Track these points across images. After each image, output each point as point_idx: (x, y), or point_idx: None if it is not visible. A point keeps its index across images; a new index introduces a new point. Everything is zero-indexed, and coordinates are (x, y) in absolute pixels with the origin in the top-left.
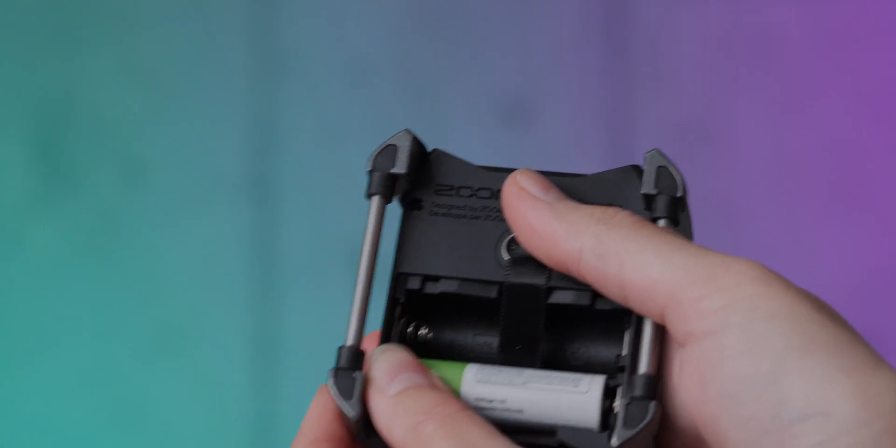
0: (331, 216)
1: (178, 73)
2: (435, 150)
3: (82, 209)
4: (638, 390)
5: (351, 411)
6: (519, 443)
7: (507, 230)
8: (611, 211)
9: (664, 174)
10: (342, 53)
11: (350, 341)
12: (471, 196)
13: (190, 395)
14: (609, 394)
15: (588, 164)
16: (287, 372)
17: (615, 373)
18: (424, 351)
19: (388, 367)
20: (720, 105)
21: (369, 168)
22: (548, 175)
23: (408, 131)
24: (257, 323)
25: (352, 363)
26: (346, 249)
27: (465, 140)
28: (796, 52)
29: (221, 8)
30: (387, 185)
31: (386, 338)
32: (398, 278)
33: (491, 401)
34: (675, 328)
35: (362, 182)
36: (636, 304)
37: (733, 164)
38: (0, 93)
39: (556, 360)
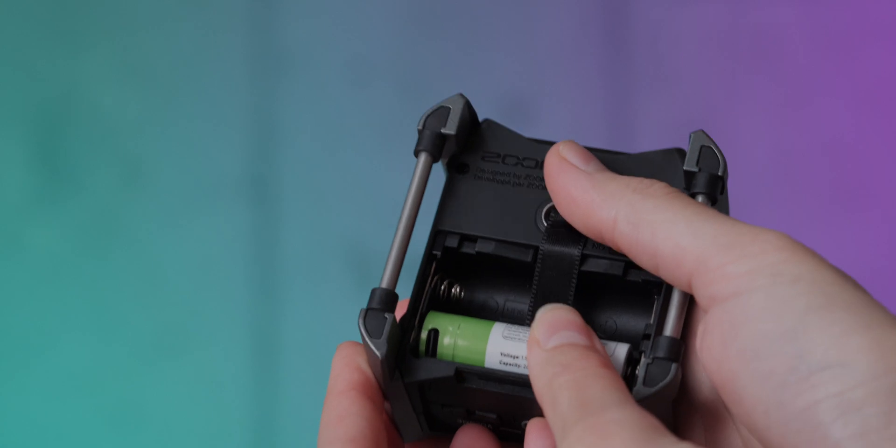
0: (331, 216)
1: (178, 73)
2: (487, 119)
3: (82, 209)
4: (661, 351)
5: (378, 350)
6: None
7: (548, 199)
8: (647, 182)
9: (707, 153)
10: (342, 53)
11: (384, 284)
12: (516, 164)
13: (190, 395)
14: (632, 361)
15: None
16: (287, 372)
17: (641, 343)
18: (456, 309)
19: (550, 323)
20: (720, 105)
21: (420, 127)
22: (591, 150)
23: (461, 95)
24: (257, 323)
25: (383, 304)
26: (346, 249)
27: None
28: (796, 52)
29: (221, 8)
30: (436, 144)
31: (419, 290)
32: (437, 235)
33: (515, 357)
34: (701, 294)
35: (362, 182)
36: (666, 272)
37: (733, 163)
38: (0, 93)
39: None
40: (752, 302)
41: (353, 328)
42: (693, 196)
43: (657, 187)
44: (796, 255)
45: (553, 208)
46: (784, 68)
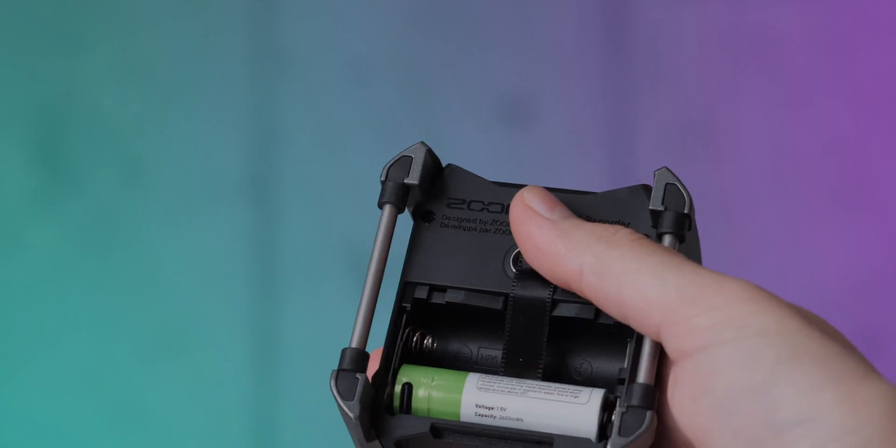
0: (331, 216)
1: (178, 73)
2: (449, 164)
3: (82, 209)
4: (635, 399)
5: (351, 412)
6: None
7: (515, 244)
8: (611, 229)
9: (672, 191)
10: (342, 53)
11: (354, 344)
12: (482, 210)
13: (190, 395)
14: (608, 406)
15: (588, 164)
16: (287, 372)
17: (615, 387)
18: (428, 360)
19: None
20: (720, 105)
21: (383, 178)
22: (557, 192)
23: (423, 144)
24: (257, 323)
25: (354, 365)
26: (346, 250)
27: (465, 140)
28: (796, 52)
29: (221, 8)
30: (399, 195)
31: (390, 344)
32: (406, 287)
33: (491, 408)
34: (670, 346)
35: (362, 182)
36: (634, 323)
37: (733, 163)
38: (0, 93)
39: (558, 374)
40: (720, 356)
41: (352, 328)
42: (660, 236)
43: (622, 235)
44: (762, 305)
45: (521, 253)
46: (784, 68)
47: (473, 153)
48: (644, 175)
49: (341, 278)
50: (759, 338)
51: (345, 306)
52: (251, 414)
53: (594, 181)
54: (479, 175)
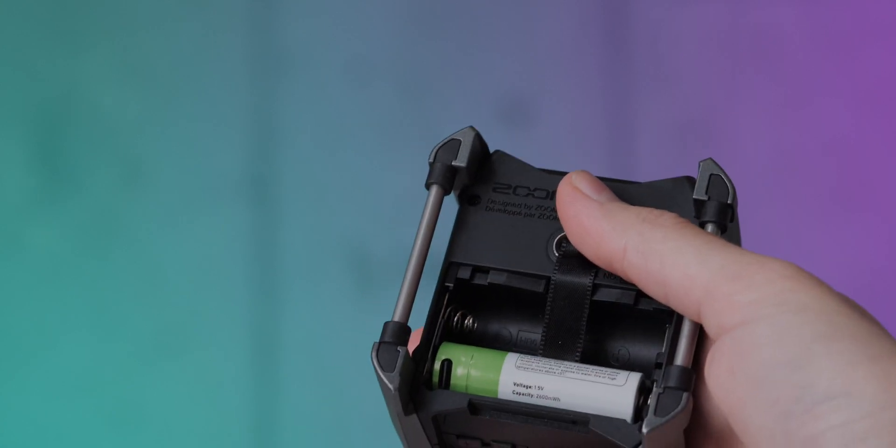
0: (331, 216)
1: (178, 73)
2: (497, 151)
3: (82, 209)
4: (672, 381)
5: (391, 383)
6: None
7: (559, 229)
8: (657, 212)
9: (716, 181)
10: (342, 53)
11: (396, 317)
12: (527, 195)
13: (190, 395)
14: (644, 390)
15: (588, 164)
16: (287, 372)
17: (653, 372)
18: (469, 340)
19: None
20: (720, 105)
21: (431, 160)
22: (603, 180)
23: (472, 128)
24: (257, 323)
25: (395, 338)
26: (346, 250)
27: None
28: (796, 51)
29: (221, 8)
30: (446, 176)
31: (432, 322)
32: (449, 267)
33: (528, 386)
34: (709, 323)
35: (362, 182)
36: (675, 301)
37: (733, 163)
38: (0, 93)
39: (596, 359)
40: (759, 331)
41: (352, 328)
42: (703, 224)
43: (667, 217)
44: (802, 283)
45: (564, 238)
46: (784, 68)
47: None
48: (644, 175)
49: (341, 278)
50: (798, 314)
51: (345, 306)
52: (251, 414)
53: None
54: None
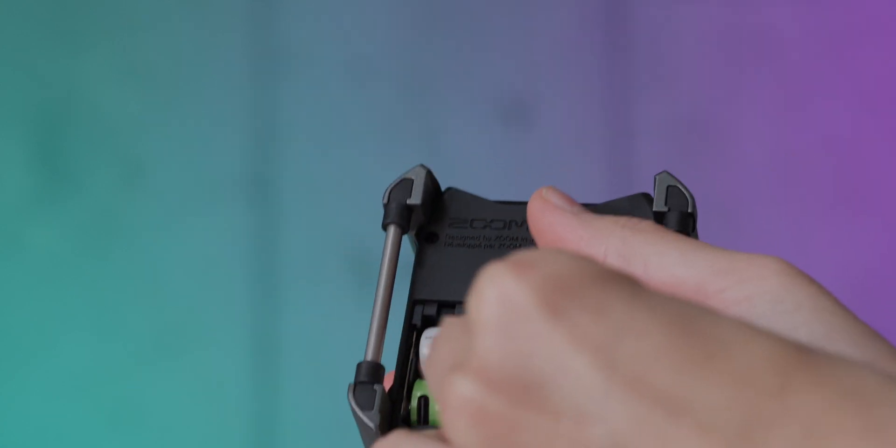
0: (331, 216)
1: (178, 72)
2: (449, 188)
3: (82, 209)
4: None
5: (371, 422)
6: None
7: None
8: (635, 219)
9: (674, 192)
10: (343, 53)
11: (369, 357)
12: (485, 227)
13: (190, 395)
14: None
15: (588, 164)
16: (287, 372)
17: None
18: None
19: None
20: (720, 105)
21: (385, 201)
22: None
23: (423, 166)
24: (257, 323)
25: (370, 377)
26: (346, 250)
27: (465, 140)
28: (796, 51)
29: (221, 7)
30: (403, 215)
31: (403, 362)
32: (415, 305)
33: None
34: None
35: (362, 182)
36: None
37: (733, 163)
38: (0, 93)
39: None
40: None
41: (352, 328)
42: None
43: (646, 224)
44: (795, 280)
45: None
46: (784, 68)
47: (473, 153)
48: (644, 175)
49: (341, 278)
50: (793, 314)
51: (345, 306)
52: (251, 414)
53: (594, 181)
54: (478, 195)
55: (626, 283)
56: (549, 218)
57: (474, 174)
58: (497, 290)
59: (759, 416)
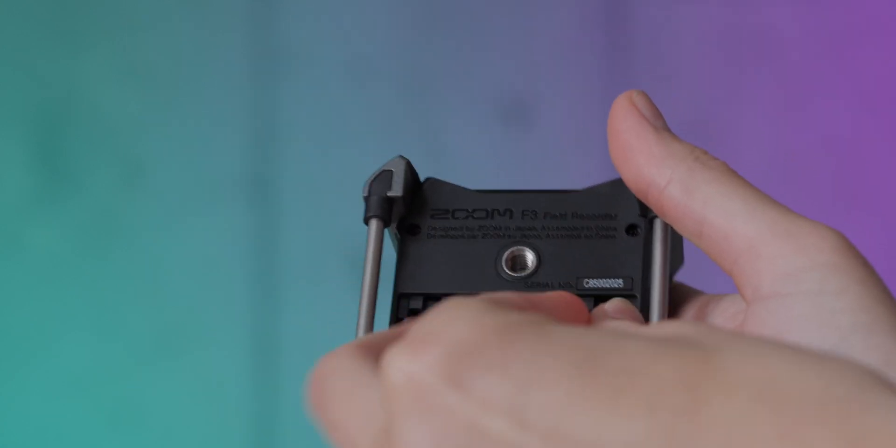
0: (331, 216)
1: (178, 72)
2: (429, 178)
3: (82, 209)
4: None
5: None
6: None
7: (505, 246)
8: (710, 155)
9: None
10: (343, 53)
11: None
12: (467, 217)
13: (190, 395)
14: None
15: (588, 164)
16: (287, 372)
17: None
18: None
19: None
20: (721, 105)
21: (365, 194)
22: (538, 193)
23: (401, 157)
24: (257, 323)
25: None
26: (346, 249)
27: (465, 140)
28: (796, 51)
29: (221, 8)
30: (384, 208)
31: None
32: (400, 299)
33: None
34: (744, 281)
35: (362, 182)
36: (708, 244)
37: (733, 163)
38: (0, 93)
39: None
40: (797, 310)
41: (352, 328)
42: (651, 221)
43: (718, 163)
44: (848, 262)
45: (517, 257)
46: (784, 68)
47: (473, 153)
48: None
49: (341, 278)
50: (838, 298)
51: (345, 306)
52: (251, 414)
53: (594, 181)
54: (460, 185)
55: (530, 332)
56: (629, 122)
57: (474, 174)
58: (401, 374)
59: (677, 437)
